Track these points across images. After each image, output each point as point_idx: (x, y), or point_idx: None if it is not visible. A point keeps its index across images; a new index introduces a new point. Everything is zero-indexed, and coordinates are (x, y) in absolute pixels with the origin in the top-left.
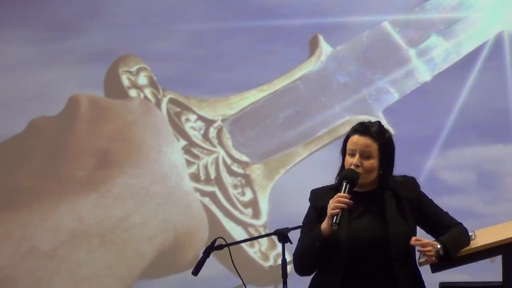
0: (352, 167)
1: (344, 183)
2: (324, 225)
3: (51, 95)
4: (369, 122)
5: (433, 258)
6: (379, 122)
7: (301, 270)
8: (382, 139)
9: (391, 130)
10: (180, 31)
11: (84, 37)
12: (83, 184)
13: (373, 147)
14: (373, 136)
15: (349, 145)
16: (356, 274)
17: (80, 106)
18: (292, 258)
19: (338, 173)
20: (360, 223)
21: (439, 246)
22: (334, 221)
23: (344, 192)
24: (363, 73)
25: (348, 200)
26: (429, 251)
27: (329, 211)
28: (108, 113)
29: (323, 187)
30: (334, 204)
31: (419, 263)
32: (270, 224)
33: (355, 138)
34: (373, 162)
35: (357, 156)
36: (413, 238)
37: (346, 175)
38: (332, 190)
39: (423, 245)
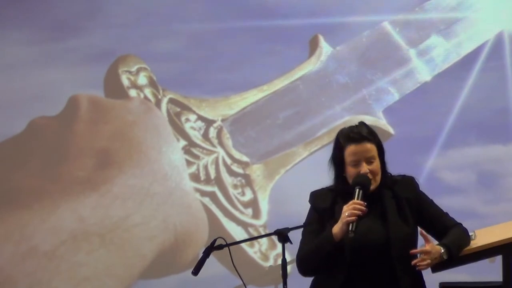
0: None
1: (357, 190)
2: (337, 229)
3: (51, 95)
4: (356, 127)
5: (426, 266)
6: (363, 123)
7: (306, 271)
8: (375, 138)
9: (390, 129)
10: (180, 31)
11: (84, 37)
12: (83, 184)
13: (373, 149)
14: (369, 139)
15: (349, 157)
16: (358, 275)
17: (80, 106)
18: (293, 258)
19: (334, 181)
20: (361, 224)
21: (442, 250)
22: (350, 228)
23: (358, 199)
24: (363, 73)
25: (363, 208)
26: (423, 259)
27: (345, 218)
28: (108, 113)
29: (322, 189)
30: (350, 211)
31: None
32: (270, 224)
33: (353, 148)
34: (377, 163)
35: (364, 164)
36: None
37: (359, 181)
38: (331, 191)
39: (424, 253)
